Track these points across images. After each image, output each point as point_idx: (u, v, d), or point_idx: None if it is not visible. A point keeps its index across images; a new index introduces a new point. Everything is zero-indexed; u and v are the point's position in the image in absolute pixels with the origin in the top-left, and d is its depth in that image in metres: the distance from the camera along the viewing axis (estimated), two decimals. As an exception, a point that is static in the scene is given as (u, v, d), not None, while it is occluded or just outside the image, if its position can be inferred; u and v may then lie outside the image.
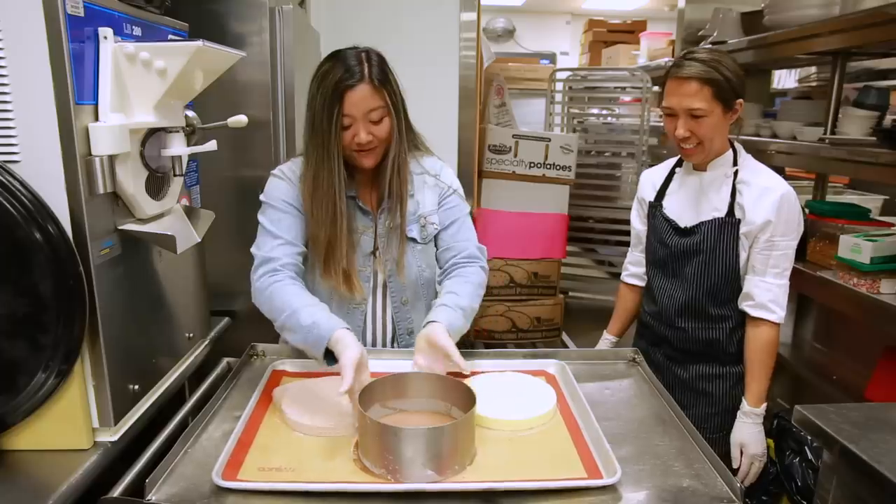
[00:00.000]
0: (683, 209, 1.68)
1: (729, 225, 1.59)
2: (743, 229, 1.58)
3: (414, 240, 1.51)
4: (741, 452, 1.61)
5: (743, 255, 1.60)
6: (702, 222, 1.62)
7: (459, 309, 1.39)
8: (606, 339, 1.90)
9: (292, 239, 1.44)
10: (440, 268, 1.57)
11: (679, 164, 1.73)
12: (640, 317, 1.87)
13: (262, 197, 1.49)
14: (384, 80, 1.38)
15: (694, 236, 1.63)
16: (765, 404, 1.61)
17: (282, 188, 1.47)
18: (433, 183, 1.55)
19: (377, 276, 1.52)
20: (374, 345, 1.56)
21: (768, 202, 1.55)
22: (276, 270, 1.40)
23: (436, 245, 1.57)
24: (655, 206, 1.74)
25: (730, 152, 1.62)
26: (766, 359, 1.60)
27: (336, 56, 1.38)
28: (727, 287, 1.63)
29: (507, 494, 1.00)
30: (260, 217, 1.48)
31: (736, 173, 1.60)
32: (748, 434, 1.60)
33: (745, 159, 1.63)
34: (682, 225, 1.66)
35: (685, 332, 1.69)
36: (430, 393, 1.23)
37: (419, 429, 1.06)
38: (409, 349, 1.54)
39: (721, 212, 1.60)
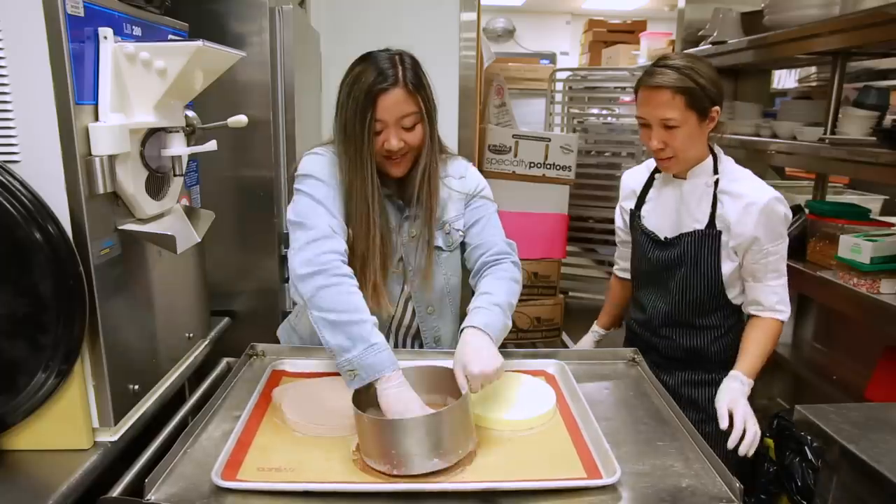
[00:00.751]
0: (663, 220, 1.65)
1: (710, 237, 1.55)
2: (731, 243, 1.55)
3: (439, 248, 1.48)
4: (730, 414, 1.44)
5: (728, 265, 1.57)
6: (682, 234, 1.59)
7: (495, 306, 1.32)
8: (595, 332, 1.89)
9: (342, 221, 1.36)
10: (470, 268, 1.52)
11: (658, 170, 1.68)
12: (627, 325, 1.85)
13: (301, 171, 1.40)
14: (419, 84, 1.34)
15: (674, 248, 1.60)
16: (752, 382, 1.52)
17: (325, 164, 1.39)
18: (458, 187, 1.51)
19: (403, 283, 1.50)
20: (394, 346, 1.55)
21: (752, 216, 1.51)
22: (344, 263, 1.29)
23: (463, 245, 1.53)
24: (635, 216, 1.71)
25: (709, 159, 1.58)
26: (767, 343, 1.57)
27: (367, 58, 1.34)
28: (711, 300, 1.61)
29: (507, 494, 1.00)
30: (302, 187, 1.38)
31: (717, 182, 1.55)
32: (736, 394, 1.47)
33: (726, 165, 1.59)
34: (661, 237, 1.63)
35: (671, 339, 1.68)
36: (423, 388, 1.22)
37: (418, 418, 1.07)
38: (423, 350, 1.54)
39: (701, 223, 1.56)
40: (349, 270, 1.29)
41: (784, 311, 1.58)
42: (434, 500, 1.00)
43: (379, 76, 1.29)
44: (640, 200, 1.71)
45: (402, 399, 1.14)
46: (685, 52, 3.06)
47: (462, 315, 1.41)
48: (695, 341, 1.66)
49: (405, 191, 1.44)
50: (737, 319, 1.66)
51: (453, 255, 1.52)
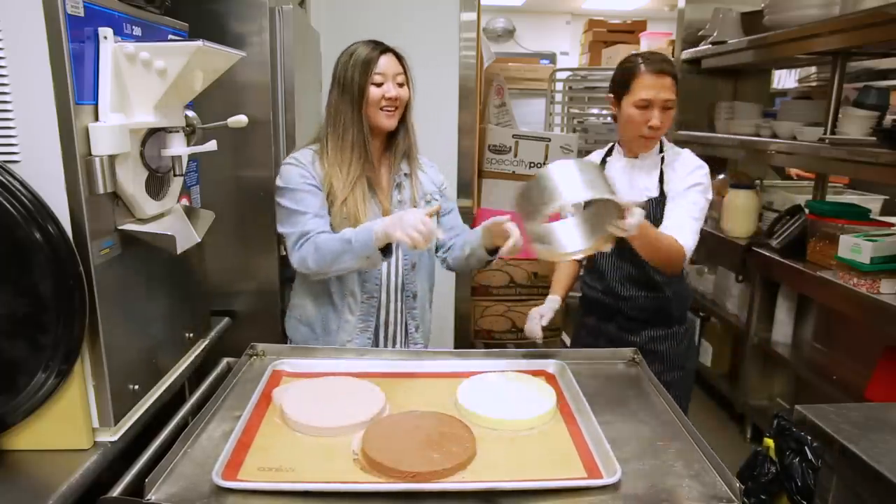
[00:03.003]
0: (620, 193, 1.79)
1: (661, 204, 1.78)
2: (670, 204, 1.76)
3: None
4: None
5: None
6: (646, 201, 1.78)
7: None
8: (553, 300, 1.93)
9: (318, 212, 1.59)
10: (448, 247, 1.76)
11: (609, 153, 1.90)
12: (585, 296, 1.99)
13: (278, 182, 1.62)
14: (401, 56, 1.64)
15: None
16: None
17: (298, 171, 1.61)
18: (432, 172, 1.79)
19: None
20: (386, 301, 1.69)
21: (676, 174, 1.77)
22: (312, 238, 1.55)
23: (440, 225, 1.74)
24: None
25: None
26: (660, 235, 1.66)
27: (356, 42, 1.62)
28: None
29: (507, 494, 1.00)
30: (280, 200, 1.61)
31: (663, 159, 1.80)
32: None
33: (670, 146, 1.84)
34: None
35: (634, 300, 1.85)
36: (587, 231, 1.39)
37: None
38: (410, 349, 1.56)
39: (652, 191, 1.79)
40: (315, 237, 1.54)
41: (683, 242, 1.66)
42: (434, 500, 1.00)
43: (375, 45, 1.61)
44: None
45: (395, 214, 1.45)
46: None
47: (435, 280, 1.80)
48: (656, 301, 1.84)
49: (392, 145, 1.69)
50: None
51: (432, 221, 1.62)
